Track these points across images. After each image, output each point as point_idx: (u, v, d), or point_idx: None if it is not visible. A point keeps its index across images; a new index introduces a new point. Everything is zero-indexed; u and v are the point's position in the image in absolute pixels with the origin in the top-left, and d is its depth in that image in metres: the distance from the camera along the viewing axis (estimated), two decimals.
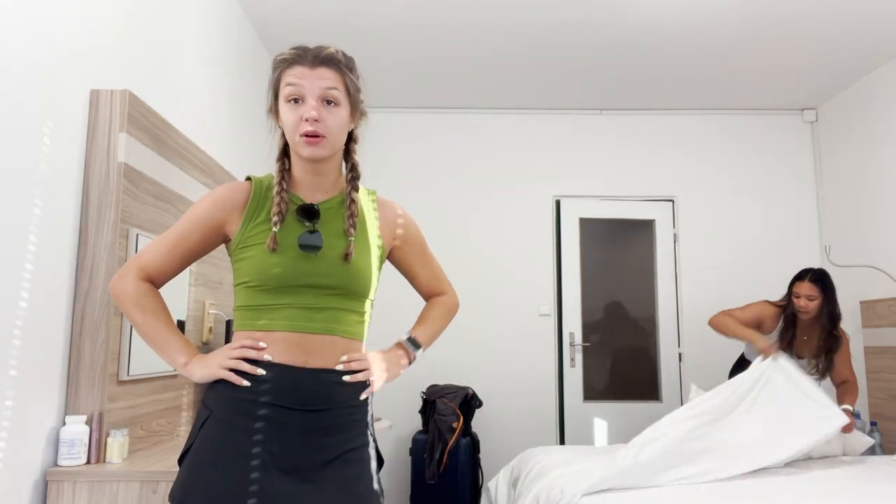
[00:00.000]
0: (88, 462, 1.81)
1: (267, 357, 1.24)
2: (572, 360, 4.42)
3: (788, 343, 3.20)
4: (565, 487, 2.40)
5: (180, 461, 1.24)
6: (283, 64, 1.29)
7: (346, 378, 1.28)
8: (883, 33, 3.55)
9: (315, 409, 1.24)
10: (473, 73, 4.09)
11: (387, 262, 1.48)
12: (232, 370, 1.24)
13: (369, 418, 1.34)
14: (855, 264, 4.12)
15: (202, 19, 2.84)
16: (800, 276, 3.24)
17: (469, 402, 3.93)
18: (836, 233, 4.39)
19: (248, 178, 1.35)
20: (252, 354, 1.24)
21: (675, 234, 4.59)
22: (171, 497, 1.20)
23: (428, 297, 1.55)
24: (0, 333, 1.59)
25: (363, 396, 1.31)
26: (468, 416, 3.92)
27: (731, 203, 4.61)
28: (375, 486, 1.28)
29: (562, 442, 4.33)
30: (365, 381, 1.32)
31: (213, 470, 1.18)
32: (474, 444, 3.95)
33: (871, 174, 4.04)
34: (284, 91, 1.27)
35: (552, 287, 4.50)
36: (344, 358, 1.28)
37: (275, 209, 1.28)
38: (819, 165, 4.59)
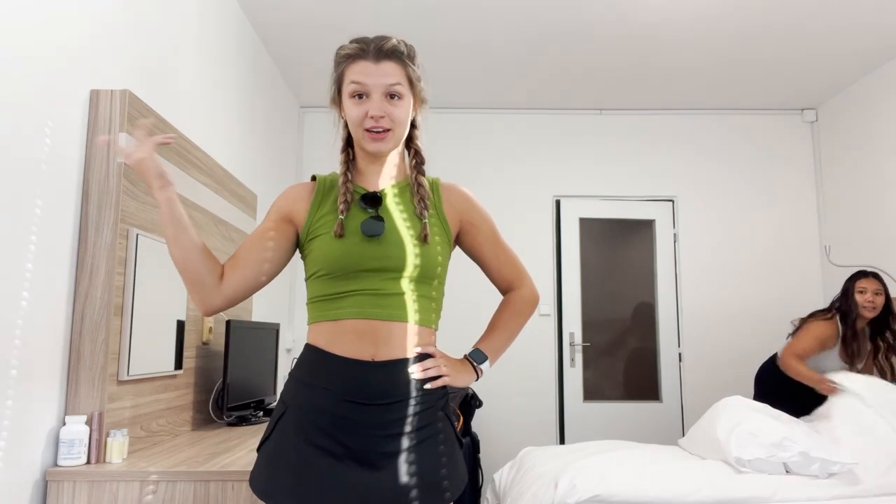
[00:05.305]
0: (88, 462, 1.81)
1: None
2: (572, 360, 4.41)
3: (856, 352, 3.05)
4: (567, 487, 2.40)
5: (259, 448, 1.29)
6: (346, 59, 1.31)
7: (416, 376, 1.27)
8: (883, 33, 3.55)
9: (387, 403, 1.24)
10: (473, 72, 4.09)
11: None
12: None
13: (442, 402, 1.33)
14: (855, 264, 4.11)
15: (202, 19, 2.84)
16: (858, 276, 3.18)
17: (469, 402, 3.93)
18: (836, 233, 4.39)
19: (314, 178, 1.40)
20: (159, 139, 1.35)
21: (675, 234, 4.59)
22: (254, 485, 1.24)
23: (503, 288, 1.52)
24: (0, 333, 1.59)
25: (428, 386, 1.29)
26: (468, 416, 3.92)
27: (731, 203, 4.61)
28: (445, 480, 1.26)
29: (562, 442, 4.33)
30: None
31: (294, 462, 1.21)
32: (474, 444, 3.95)
33: (872, 174, 4.04)
34: (349, 88, 1.29)
35: (552, 287, 4.50)
36: (416, 368, 1.28)
37: (341, 198, 1.31)
38: (819, 165, 4.59)
